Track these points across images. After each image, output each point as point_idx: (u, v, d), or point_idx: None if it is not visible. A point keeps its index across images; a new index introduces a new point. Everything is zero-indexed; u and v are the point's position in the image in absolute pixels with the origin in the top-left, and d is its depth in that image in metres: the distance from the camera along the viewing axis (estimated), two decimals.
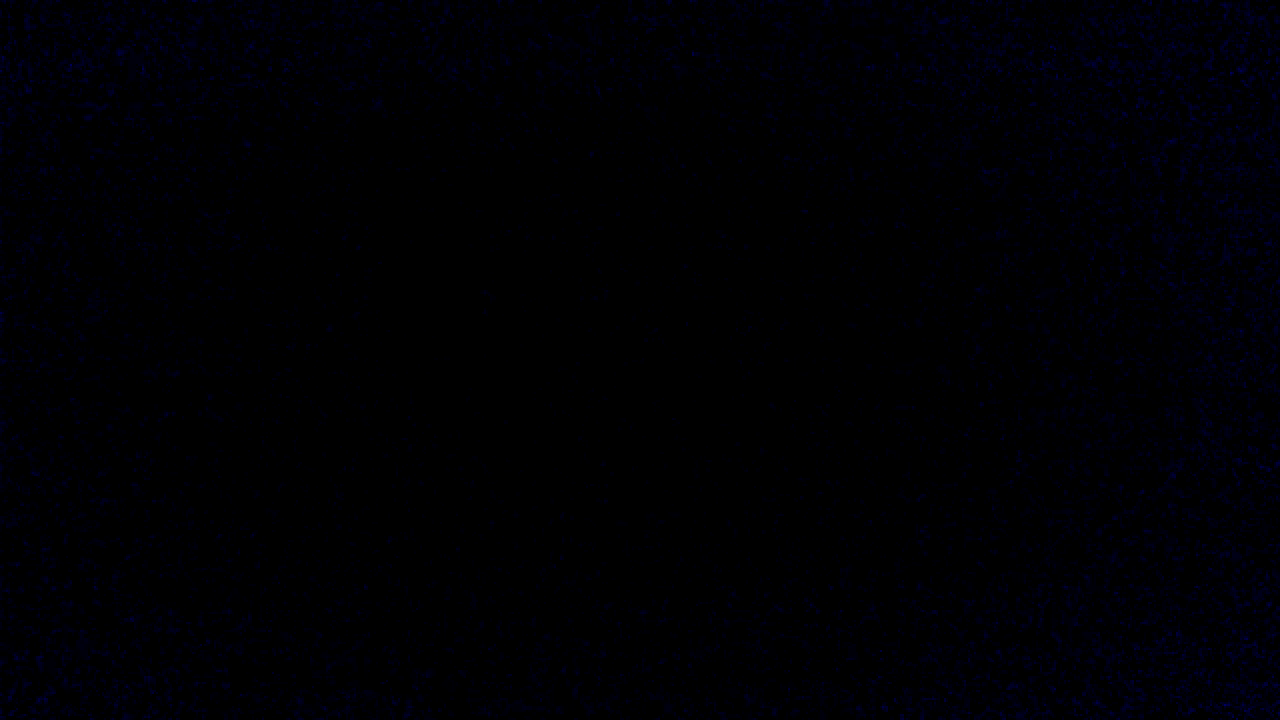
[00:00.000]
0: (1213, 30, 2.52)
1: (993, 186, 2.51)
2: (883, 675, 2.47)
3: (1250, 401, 2.49)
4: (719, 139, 2.51)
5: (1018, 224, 2.51)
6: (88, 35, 2.51)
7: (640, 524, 2.48)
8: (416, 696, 2.47)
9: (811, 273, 2.50)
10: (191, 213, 2.50)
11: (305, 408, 2.48)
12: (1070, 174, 2.52)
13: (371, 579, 2.48)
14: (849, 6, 2.51)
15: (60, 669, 2.47)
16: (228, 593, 2.47)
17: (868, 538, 2.49)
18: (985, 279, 2.51)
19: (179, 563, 2.47)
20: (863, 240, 2.51)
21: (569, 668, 2.47)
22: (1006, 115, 2.52)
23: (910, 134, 2.51)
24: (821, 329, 2.50)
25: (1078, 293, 2.51)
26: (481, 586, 2.48)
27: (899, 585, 2.48)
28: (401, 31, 2.52)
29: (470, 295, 2.50)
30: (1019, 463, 2.49)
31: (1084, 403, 2.49)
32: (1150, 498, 2.49)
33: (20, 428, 2.48)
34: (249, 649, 2.46)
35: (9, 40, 2.51)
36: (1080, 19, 2.52)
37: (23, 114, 2.50)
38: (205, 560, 2.47)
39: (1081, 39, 2.52)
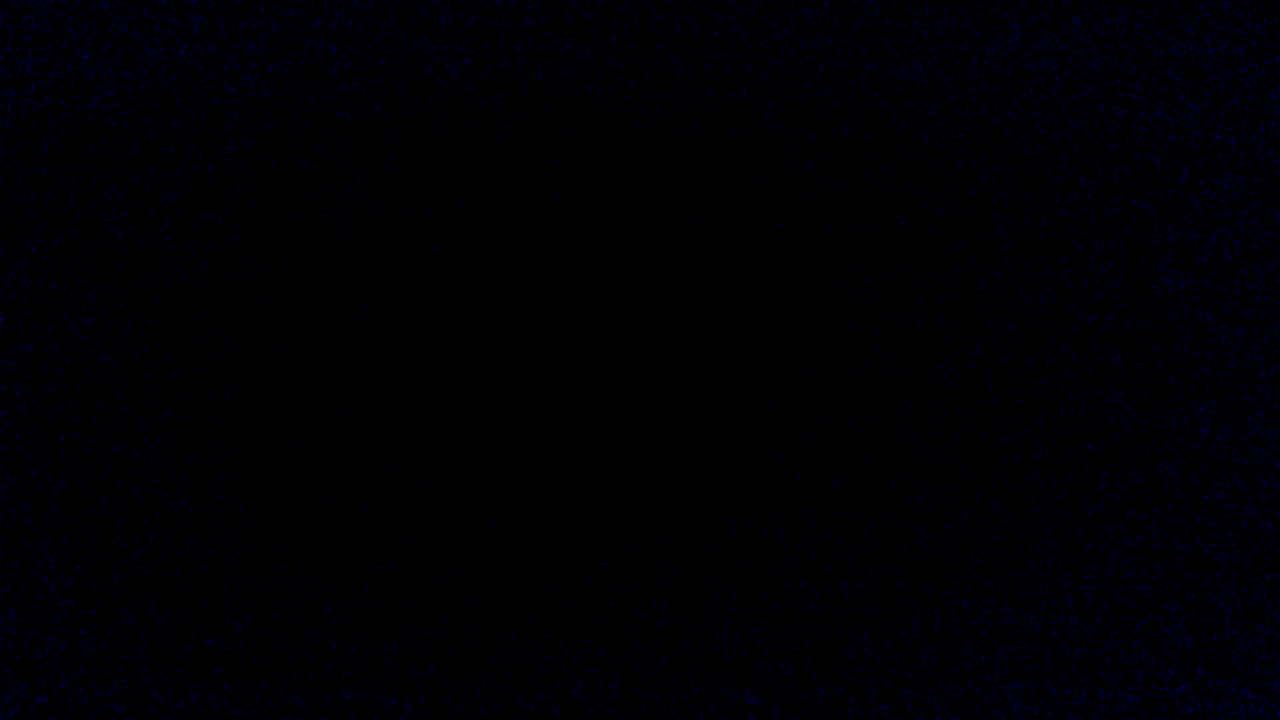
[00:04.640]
0: (1213, 30, 2.52)
1: (993, 186, 2.51)
2: (883, 675, 2.47)
3: (1250, 401, 2.49)
4: (719, 139, 2.51)
5: (1018, 224, 2.51)
6: (88, 35, 2.51)
7: (640, 524, 2.48)
8: (416, 696, 2.47)
9: (812, 273, 2.50)
10: (191, 213, 2.50)
11: (305, 408, 2.48)
12: (1070, 174, 2.52)
13: (371, 579, 2.47)
14: (849, 6, 2.51)
15: (60, 669, 2.47)
16: (228, 593, 2.47)
17: (868, 537, 2.49)
18: (985, 279, 2.51)
19: (179, 563, 2.47)
20: (863, 240, 2.51)
21: (569, 668, 2.47)
22: (1006, 115, 2.52)
23: (910, 134, 2.51)
24: (821, 329, 2.50)
25: (1078, 293, 2.51)
26: (481, 586, 2.48)
27: (899, 585, 2.48)
28: (401, 31, 2.52)
29: (470, 295, 2.50)
30: (1019, 463, 2.49)
31: (1084, 403, 2.49)
32: (1150, 498, 2.49)
33: (20, 428, 2.48)
34: (249, 649, 2.46)
35: (9, 40, 2.51)
36: (1080, 19, 2.52)
37: (23, 114, 2.50)
38: (205, 560, 2.47)
39: (1081, 39, 2.52)
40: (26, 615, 2.47)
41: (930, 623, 2.47)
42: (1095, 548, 2.49)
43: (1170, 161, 2.52)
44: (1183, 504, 2.49)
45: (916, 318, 2.50)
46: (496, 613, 2.48)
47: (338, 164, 2.50)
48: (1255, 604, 2.48)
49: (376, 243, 2.50)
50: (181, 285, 2.50)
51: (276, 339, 2.49)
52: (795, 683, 2.48)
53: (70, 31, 2.51)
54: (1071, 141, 2.52)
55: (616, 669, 2.47)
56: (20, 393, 2.48)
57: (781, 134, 2.51)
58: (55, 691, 2.47)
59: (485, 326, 2.50)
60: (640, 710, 2.47)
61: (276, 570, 2.47)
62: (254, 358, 2.49)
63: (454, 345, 2.50)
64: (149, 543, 2.47)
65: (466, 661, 2.47)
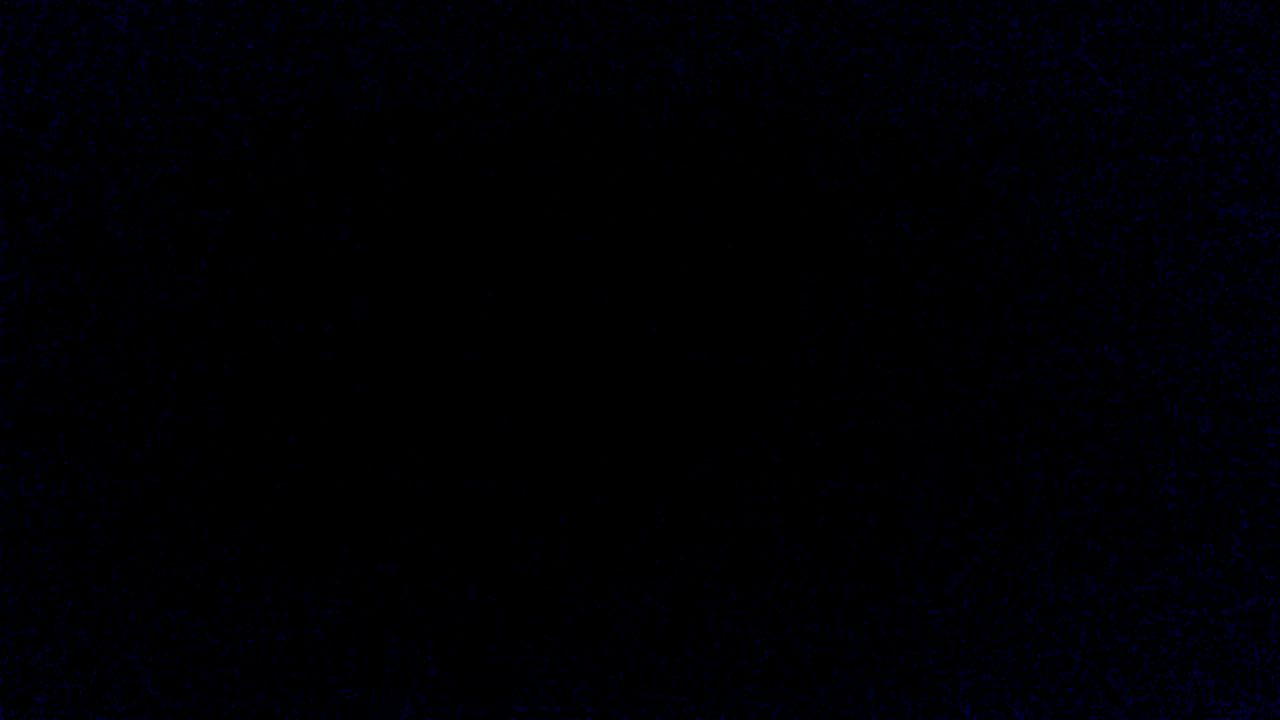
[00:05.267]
0: (1213, 30, 2.52)
1: (993, 186, 2.51)
2: (883, 675, 2.47)
3: (1250, 401, 2.49)
4: (720, 139, 2.51)
5: (1018, 224, 2.51)
6: (88, 35, 2.51)
7: (640, 524, 2.48)
8: (416, 696, 2.47)
9: (812, 273, 2.50)
10: (191, 213, 2.50)
11: (305, 408, 2.48)
12: (1070, 174, 2.52)
13: (371, 579, 2.47)
14: (849, 6, 2.51)
15: (60, 669, 2.47)
16: (228, 593, 2.47)
17: (868, 537, 2.48)
18: (985, 279, 2.51)
19: (179, 563, 2.47)
20: (863, 240, 2.51)
21: (569, 668, 2.47)
22: (1007, 115, 2.52)
23: (910, 134, 2.51)
24: (821, 329, 2.50)
25: (1078, 293, 2.51)
26: (482, 586, 2.48)
27: (899, 585, 2.48)
28: (401, 32, 2.52)
29: (470, 295, 2.50)
30: (1019, 463, 2.49)
31: (1084, 403, 2.49)
32: (1150, 498, 2.49)
33: (20, 428, 2.48)
34: (249, 649, 2.46)
35: (9, 40, 2.51)
36: (1080, 19, 2.52)
37: (23, 114, 2.50)
38: (205, 560, 2.47)
39: (1081, 39, 2.52)
40: (26, 615, 2.47)
41: (930, 623, 2.47)
42: (1095, 548, 2.49)
43: (1171, 161, 2.52)
44: (1183, 504, 2.49)
45: (917, 318, 2.50)
46: (497, 613, 2.48)
47: (338, 164, 2.50)
48: (1255, 604, 2.48)
49: (376, 243, 2.50)
50: (181, 285, 2.49)
51: (276, 339, 2.49)
52: (795, 683, 2.48)
53: (70, 31, 2.51)
54: (1072, 142, 2.52)
55: (616, 669, 2.47)
56: (20, 393, 2.48)
57: (782, 134, 2.51)
58: (55, 691, 2.47)
59: (485, 327, 2.50)
60: (640, 710, 2.47)
61: (276, 571, 2.47)
62: (254, 358, 2.49)
63: (453, 345, 2.50)
64: (149, 543, 2.47)
65: (466, 661, 2.47)
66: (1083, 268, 2.51)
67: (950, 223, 2.51)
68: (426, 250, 2.50)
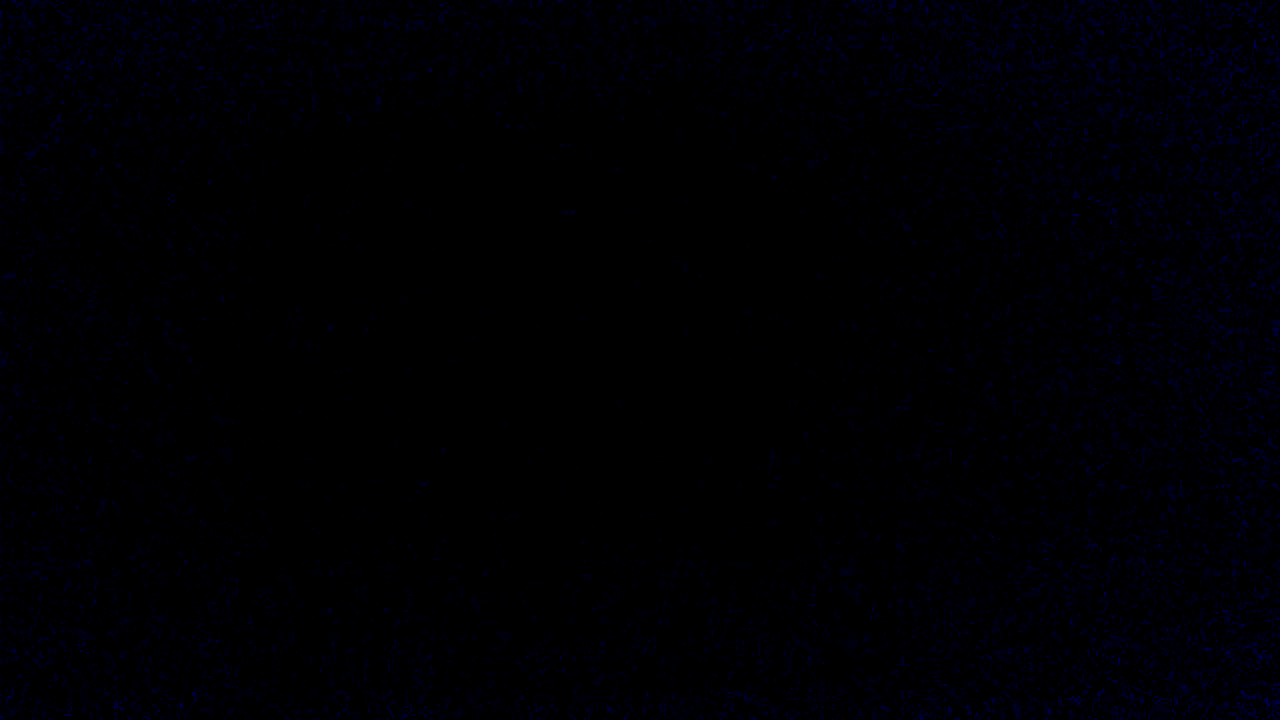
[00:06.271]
0: (1213, 30, 2.52)
1: (993, 186, 2.51)
2: (883, 675, 2.47)
3: (1250, 401, 2.49)
4: (719, 139, 2.51)
5: (1018, 224, 2.51)
6: (88, 35, 2.51)
7: (640, 524, 2.48)
8: (416, 696, 2.47)
9: (812, 273, 2.50)
10: (191, 213, 2.50)
11: (305, 408, 2.48)
12: (1070, 174, 2.52)
13: (371, 579, 2.48)
14: (851, 7, 2.51)
15: (60, 669, 2.47)
16: (228, 593, 2.47)
17: (868, 537, 2.49)
18: (985, 279, 2.51)
19: (179, 563, 2.47)
20: (863, 240, 2.51)
21: (569, 668, 2.47)
22: (1006, 115, 2.52)
23: (910, 134, 2.51)
24: (821, 329, 2.50)
25: (1078, 293, 2.51)
26: (482, 586, 2.48)
27: (899, 585, 2.48)
28: (401, 32, 2.52)
29: (470, 295, 2.50)
30: (1019, 463, 2.49)
31: (1084, 403, 2.49)
32: (1150, 498, 2.49)
33: (20, 428, 2.48)
34: (249, 649, 2.46)
35: (9, 40, 2.51)
36: (1080, 19, 2.52)
37: (23, 114, 2.50)
38: (205, 560, 2.47)
39: (1082, 39, 2.52)
40: (26, 615, 2.47)
41: (930, 623, 2.47)
42: (1095, 548, 2.49)
43: (1170, 161, 2.52)
44: (1183, 504, 2.49)
45: (917, 318, 2.50)
46: (497, 613, 2.48)
47: (338, 164, 2.50)
48: (1255, 604, 2.48)
49: (376, 243, 2.50)
50: (181, 285, 2.50)
51: (276, 339, 2.49)
52: (795, 683, 2.48)
53: (70, 31, 2.51)
54: (1072, 141, 2.52)
55: (617, 669, 2.47)
56: (20, 393, 2.48)
57: (781, 134, 2.51)
58: (55, 691, 2.47)
59: (485, 327, 2.50)
60: (640, 710, 2.47)
61: (277, 571, 2.47)
62: (254, 358, 2.49)
63: (453, 345, 2.50)
64: (149, 543, 2.47)
65: (467, 662, 2.47)
66: (1083, 268, 2.51)
67: (950, 223, 2.51)
68: (427, 251, 2.50)
